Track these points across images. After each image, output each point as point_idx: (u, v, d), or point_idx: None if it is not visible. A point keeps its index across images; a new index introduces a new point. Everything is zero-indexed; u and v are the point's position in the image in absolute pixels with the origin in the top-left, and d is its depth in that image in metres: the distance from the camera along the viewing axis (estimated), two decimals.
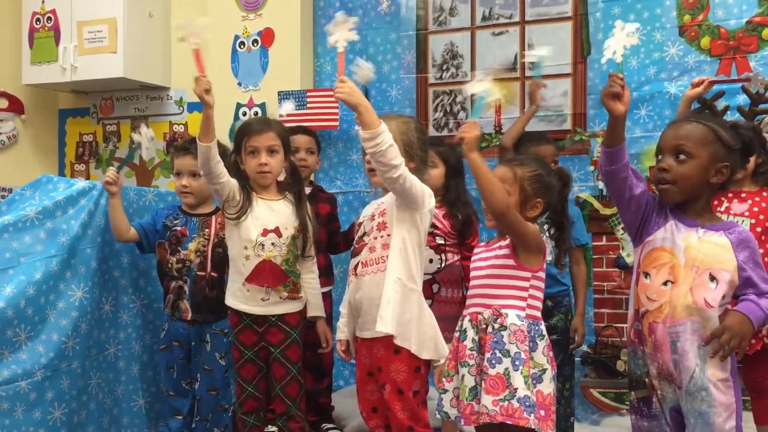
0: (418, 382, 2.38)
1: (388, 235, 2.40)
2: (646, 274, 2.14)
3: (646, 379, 2.16)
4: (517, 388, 2.12)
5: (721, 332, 1.99)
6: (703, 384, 2.03)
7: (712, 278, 2.05)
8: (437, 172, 2.99)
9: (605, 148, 2.12)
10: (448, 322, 2.86)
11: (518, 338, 2.17)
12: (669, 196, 2.12)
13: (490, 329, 2.21)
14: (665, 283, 2.09)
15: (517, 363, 2.15)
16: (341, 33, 2.44)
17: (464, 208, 2.96)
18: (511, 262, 2.26)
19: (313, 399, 3.34)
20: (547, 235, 2.52)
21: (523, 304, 2.23)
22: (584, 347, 3.59)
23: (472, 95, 2.34)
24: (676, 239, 2.10)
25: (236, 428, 2.92)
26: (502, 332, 2.19)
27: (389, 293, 2.33)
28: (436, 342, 2.40)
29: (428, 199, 2.41)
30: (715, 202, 2.45)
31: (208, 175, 2.65)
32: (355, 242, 2.54)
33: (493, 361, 2.16)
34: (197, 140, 2.59)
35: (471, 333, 2.26)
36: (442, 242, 2.95)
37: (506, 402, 2.12)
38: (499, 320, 2.20)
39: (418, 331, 2.36)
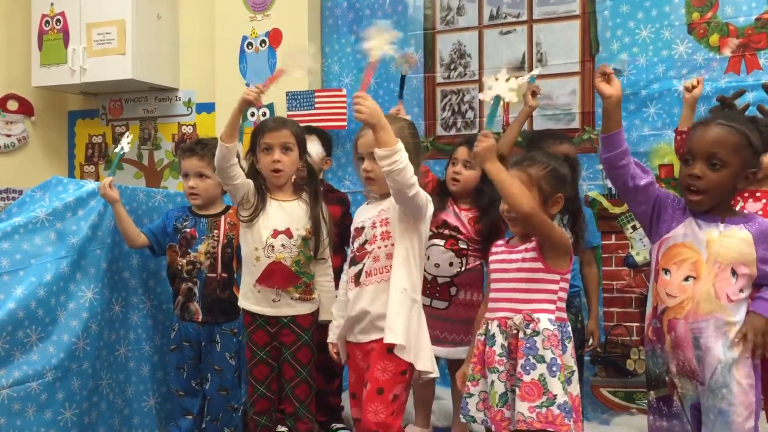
0: (400, 386, 2.36)
1: (392, 245, 2.37)
2: (666, 271, 2.13)
3: (666, 378, 2.14)
4: (556, 395, 2.09)
5: (746, 333, 2.02)
6: (725, 381, 2.02)
7: (734, 273, 2.05)
8: (473, 174, 2.97)
9: (602, 134, 2.14)
10: (464, 325, 2.85)
11: (552, 343, 2.14)
12: (700, 206, 2.10)
13: (521, 335, 2.16)
14: (686, 279, 2.08)
15: (554, 369, 2.11)
16: (380, 42, 2.29)
17: (495, 214, 2.92)
18: (539, 265, 2.21)
19: (323, 399, 3.35)
20: (563, 224, 2.49)
21: (552, 307, 2.20)
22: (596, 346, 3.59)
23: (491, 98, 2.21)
24: (698, 235, 2.09)
25: (247, 428, 2.93)
26: (535, 338, 2.15)
27: (397, 304, 2.32)
28: (431, 354, 2.40)
29: (430, 206, 2.40)
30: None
31: (221, 175, 2.67)
32: (355, 250, 2.49)
33: (528, 368, 2.12)
34: (219, 139, 2.60)
35: (500, 338, 2.22)
36: (465, 246, 2.94)
37: (544, 408, 2.08)
38: (531, 325, 2.16)
39: (417, 342, 2.36)
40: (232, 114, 2.61)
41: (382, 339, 2.33)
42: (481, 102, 4.11)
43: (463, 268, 2.93)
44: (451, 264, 2.92)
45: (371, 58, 2.30)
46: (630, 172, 2.13)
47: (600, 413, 3.65)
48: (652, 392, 2.21)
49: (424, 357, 2.37)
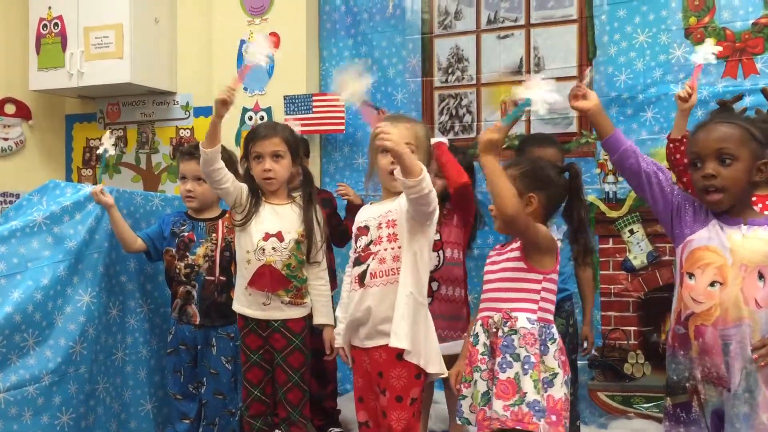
0: (416, 390, 2.36)
1: (399, 247, 2.35)
2: (690, 275, 2.07)
3: (688, 384, 2.09)
4: (526, 393, 2.09)
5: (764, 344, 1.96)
6: (749, 386, 1.98)
7: (761, 276, 1.99)
8: (441, 182, 2.97)
9: (600, 142, 2.23)
10: (445, 321, 2.85)
11: (528, 342, 2.14)
12: (721, 206, 2.05)
13: (500, 333, 2.18)
14: (712, 284, 2.02)
15: (526, 367, 2.12)
16: (352, 88, 2.37)
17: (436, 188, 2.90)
18: (521, 264, 2.21)
19: (318, 403, 3.34)
20: (562, 238, 2.47)
21: (534, 306, 2.20)
22: (591, 350, 3.58)
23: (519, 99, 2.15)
24: (722, 238, 2.04)
25: None
26: (512, 336, 2.15)
27: (403, 308, 2.31)
28: (440, 356, 2.40)
29: (437, 208, 2.38)
30: None
31: (208, 179, 2.70)
32: (360, 249, 2.46)
33: (504, 366, 2.13)
34: (200, 146, 2.61)
35: (483, 337, 2.23)
36: (438, 238, 2.91)
37: (516, 407, 2.09)
38: (509, 324, 2.17)
39: (426, 345, 2.35)
40: (211, 120, 2.60)
41: (388, 345, 2.33)
42: (479, 106, 4.12)
43: (440, 262, 2.93)
44: None
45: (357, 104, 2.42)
46: (643, 169, 2.12)
47: (597, 417, 3.65)
48: (668, 399, 2.15)
49: (434, 360, 2.37)
